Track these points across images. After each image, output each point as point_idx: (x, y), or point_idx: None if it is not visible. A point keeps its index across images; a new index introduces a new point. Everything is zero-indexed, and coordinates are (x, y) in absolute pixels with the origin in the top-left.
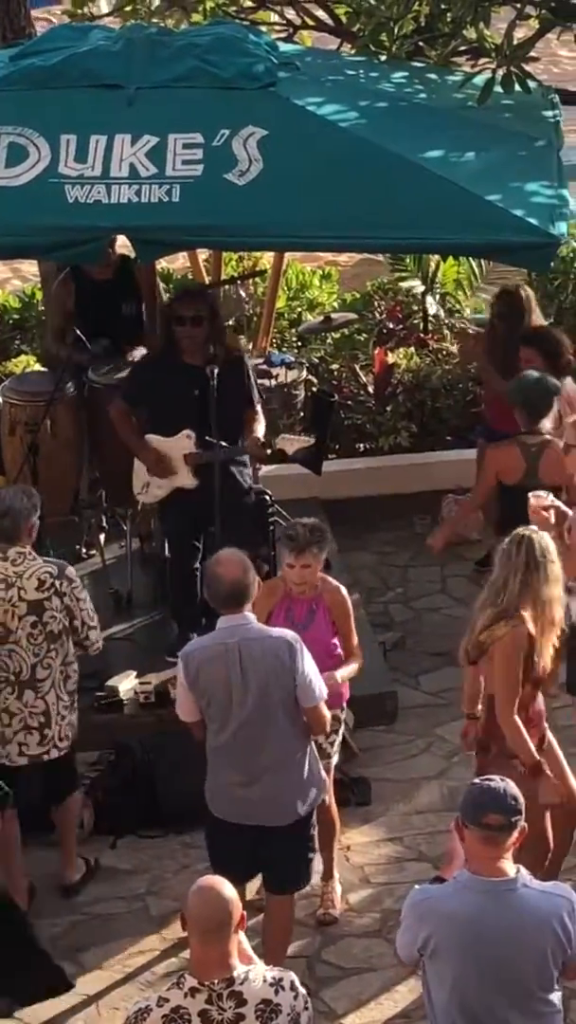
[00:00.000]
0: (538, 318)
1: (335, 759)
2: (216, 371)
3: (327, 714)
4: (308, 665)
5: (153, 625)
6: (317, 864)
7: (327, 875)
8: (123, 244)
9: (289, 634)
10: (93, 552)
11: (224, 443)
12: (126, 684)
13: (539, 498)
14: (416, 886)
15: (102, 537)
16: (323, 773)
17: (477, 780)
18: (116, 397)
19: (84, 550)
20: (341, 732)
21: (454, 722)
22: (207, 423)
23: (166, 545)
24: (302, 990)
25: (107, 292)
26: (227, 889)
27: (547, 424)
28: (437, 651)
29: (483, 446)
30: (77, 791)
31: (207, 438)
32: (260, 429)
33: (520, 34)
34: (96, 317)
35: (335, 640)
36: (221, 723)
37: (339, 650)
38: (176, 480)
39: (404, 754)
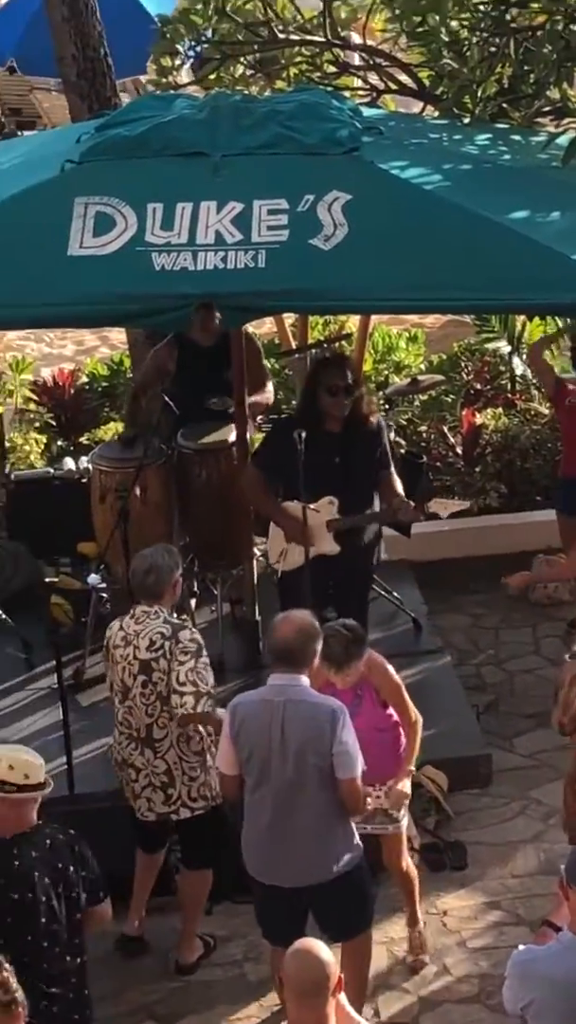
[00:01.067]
0: None
1: (405, 821)
2: (303, 435)
3: (361, 790)
4: (348, 736)
5: (247, 689)
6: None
7: (412, 921)
8: None
9: (335, 702)
10: (184, 617)
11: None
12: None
13: None
14: (520, 946)
15: (193, 602)
16: (358, 840)
17: None
18: (249, 466)
19: (175, 615)
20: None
21: (549, 784)
22: (347, 489)
23: (256, 609)
24: None
25: (210, 358)
26: (324, 952)
27: None
28: (531, 713)
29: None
30: (208, 868)
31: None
32: (399, 489)
33: None
34: (198, 382)
35: (388, 712)
36: (257, 779)
37: (394, 717)
38: (319, 547)
39: (499, 817)
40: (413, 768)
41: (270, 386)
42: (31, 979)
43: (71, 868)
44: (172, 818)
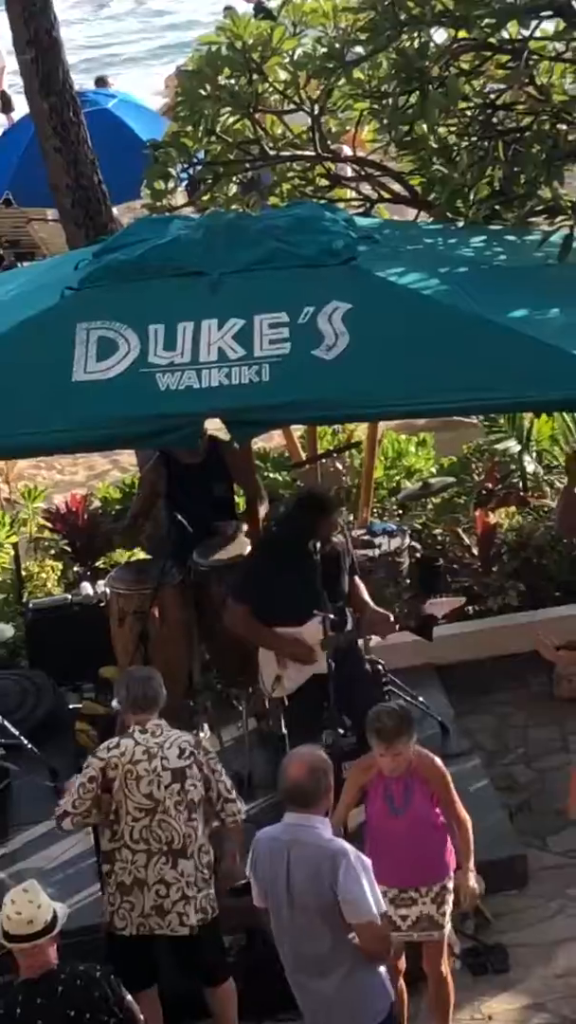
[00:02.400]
0: None
1: (448, 928)
2: (319, 546)
3: (384, 931)
4: (353, 881)
5: (275, 805)
6: None
7: None
8: (216, 427)
9: (338, 848)
10: (195, 731)
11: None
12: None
13: None
14: None
15: (207, 724)
16: (390, 988)
17: None
18: (230, 603)
19: (201, 733)
20: (449, 900)
21: None
22: (333, 605)
23: (282, 723)
24: None
25: (198, 476)
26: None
27: None
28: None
29: None
30: (230, 975)
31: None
32: (366, 596)
33: None
34: (187, 501)
35: (437, 810)
36: (274, 914)
37: (441, 819)
38: (313, 667)
39: (538, 917)
40: (472, 868)
41: (266, 502)
42: None
43: (87, 1015)
44: (190, 931)
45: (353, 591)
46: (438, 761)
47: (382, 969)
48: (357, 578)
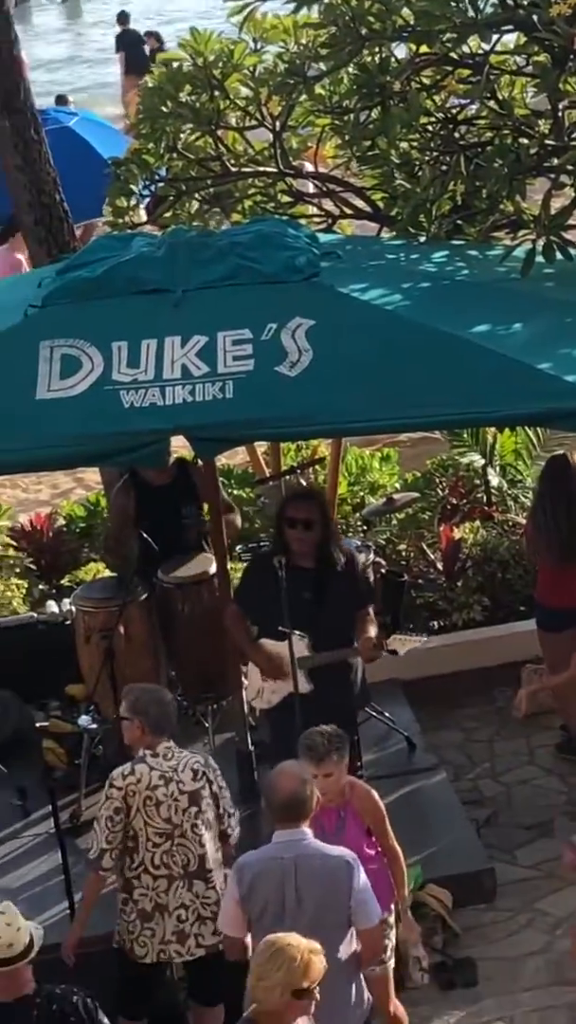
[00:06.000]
0: None
1: (391, 963)
2: (284, 562)
3: (382, 935)
4: (364, 885)
5: (244, 821)
6: None
7: None
8: (180, 445)
9: (348, 853)
10: None
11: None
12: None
13: None
14: None
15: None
16: (368, 995)
17: None
18: (231, 603)
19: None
20: (391, 936)
21: (554, 894)
22: (317, 626)
23: (248, 740)
24: None
25: (166, 496)
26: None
27: None
28: (530, 824)
29: (542, 636)
30: (220, 1003)
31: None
32: (372, 630)
33: (557, 203)
34: (156, 521)
35: (372, 840)
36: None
37: (374, 851)
38: (289, 686)
39: (507, 931)
40: (407, 900)
41: (236, 513)
42: None
43: None
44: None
45: (359, 618)
46: (374, 793)
47: None
48: (370, 610)
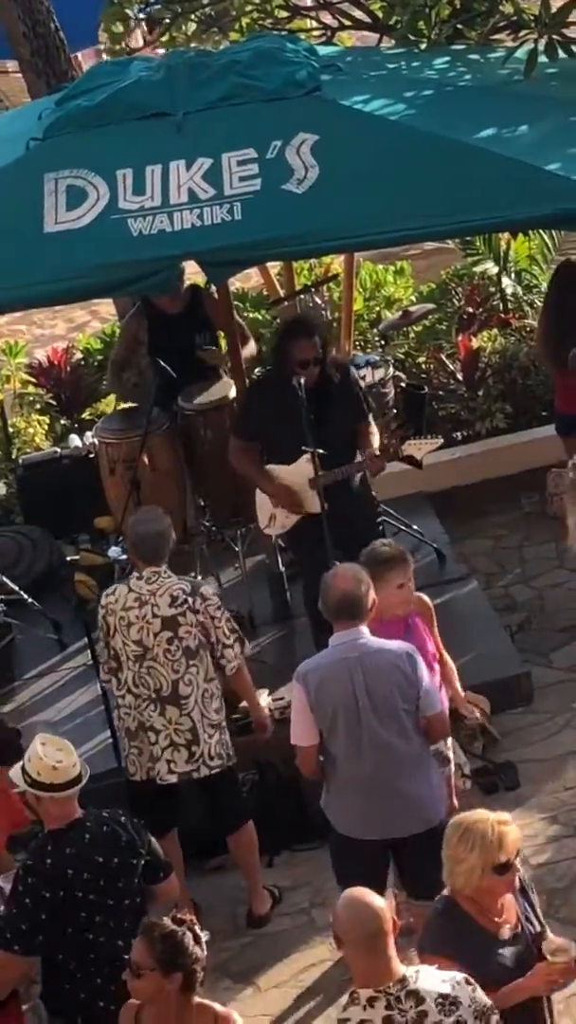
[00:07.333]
0: None
1: (452, 763)
2: (303, 381)
3: (446, 719)
4: (425, 674)
5: (278, 641)
6: None
7: None
8: (193, 272)
9: (407, 645)
10: (193, 573)
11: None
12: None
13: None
14: None
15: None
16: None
17: None
18: (231, 438)
19: (199, 576)
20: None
21: None
22: (323, 445)
23: (279, 561)
24: (478, 988)
25: (179, 325)
26: (375, 899)
27: None
28: (564, 626)
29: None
30: (248, 819)
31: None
32: (375, 441)
33: (558, 1)
34: (170, 350)
35: (431, 646)
36: (348, 740)
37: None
38: (304, 507)
39: (546, 733)
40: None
41: (251, 341)
42: (84, 971)
43: (115, 860)
44: (193, 776)
45: (361, 433)
46: (426, 597)
47: None
48: (371, 420)
